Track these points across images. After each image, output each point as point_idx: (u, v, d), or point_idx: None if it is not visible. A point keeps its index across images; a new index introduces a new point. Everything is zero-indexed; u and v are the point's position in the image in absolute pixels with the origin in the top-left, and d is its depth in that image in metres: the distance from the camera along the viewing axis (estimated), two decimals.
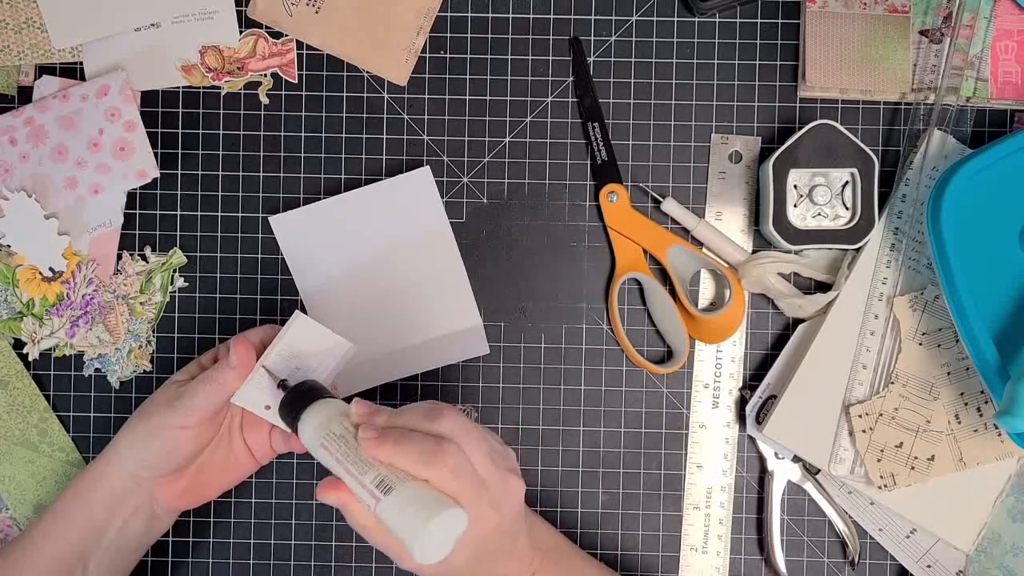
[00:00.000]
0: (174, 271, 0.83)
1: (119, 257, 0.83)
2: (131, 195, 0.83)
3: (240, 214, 0.84)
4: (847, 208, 0.80)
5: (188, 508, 0.76)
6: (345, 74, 0.84)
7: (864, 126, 0.83)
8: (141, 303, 0.83)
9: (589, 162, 0.84)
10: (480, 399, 0.83)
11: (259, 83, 0.84)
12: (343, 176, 0.84)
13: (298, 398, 0.68)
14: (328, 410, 0.67)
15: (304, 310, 0.82)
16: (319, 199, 0.82)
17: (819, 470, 0.82)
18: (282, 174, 0.84)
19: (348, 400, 0.68)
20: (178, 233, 0.84)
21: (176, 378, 0.75)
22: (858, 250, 0.81)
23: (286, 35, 0.83)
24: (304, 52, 0.84)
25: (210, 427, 0.73)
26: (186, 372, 0.75)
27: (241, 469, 0.77)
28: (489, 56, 0.84)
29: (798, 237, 0.79)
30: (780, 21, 0.84)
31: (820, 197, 0.79)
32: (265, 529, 0.84)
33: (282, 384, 0.70)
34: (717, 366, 0.83)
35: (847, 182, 0.80)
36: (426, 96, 0.84)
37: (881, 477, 0.79)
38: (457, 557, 0.63)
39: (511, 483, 0.66)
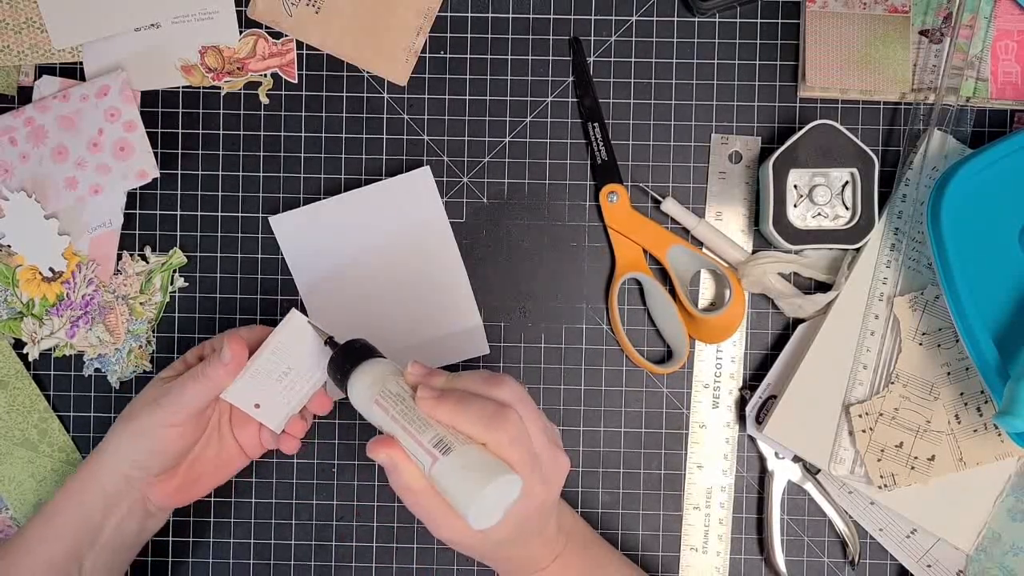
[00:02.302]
0: (174, 271, 0.83)
1: (119, 257, 0.83)
2: (131, 195, 0.83)
3: (240, 214, 0.84)
4: (847, 208, 0.80)
5: (182, 505, 0.75)
6: (345, 74, 0.84)
7: (864, 126, 0.83)
8: (141, 303, 0.83)
9: (589, 162, 0.84)
10: None
11: (259, 83, 0.84)
12: (343, 176, 0.84)
13: (350, 354, 0.67)
14: (382, 368, 0.67)
15: (304, 310, 0.82)
16: (319, 199, 0.82)
17: (819, 470, 0.82)
18: (282, 174, 0.84)
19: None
20: (178, 233, 0.84)
21: (162, 375, 0.74)
22: (858, 250, 0.81)
23: (286, 35, 0.83)
24: (304, 52, 0.84)
25: (198, 425, 0.72)
26: (172, 369, 0.74)
27: (232, 465, 0.76)
28: (489, 56, 0.84)
29: (798, 237, 0.79)
30: (780, 21, 0.84)
31: (820, 197, 0.79)
32: (265, 529, 0.84)
33: (329, 341, 0.69)
34: (717, 366, 0.83)
35: (847, 182, 0.80)
36: (426, 96, 0.84)
37: (881, 477, 0.79)
38: (501, 529, 0.63)
39: (560, 459, 0.66)
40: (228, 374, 0.70)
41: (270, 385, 0.72)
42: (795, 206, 0.80)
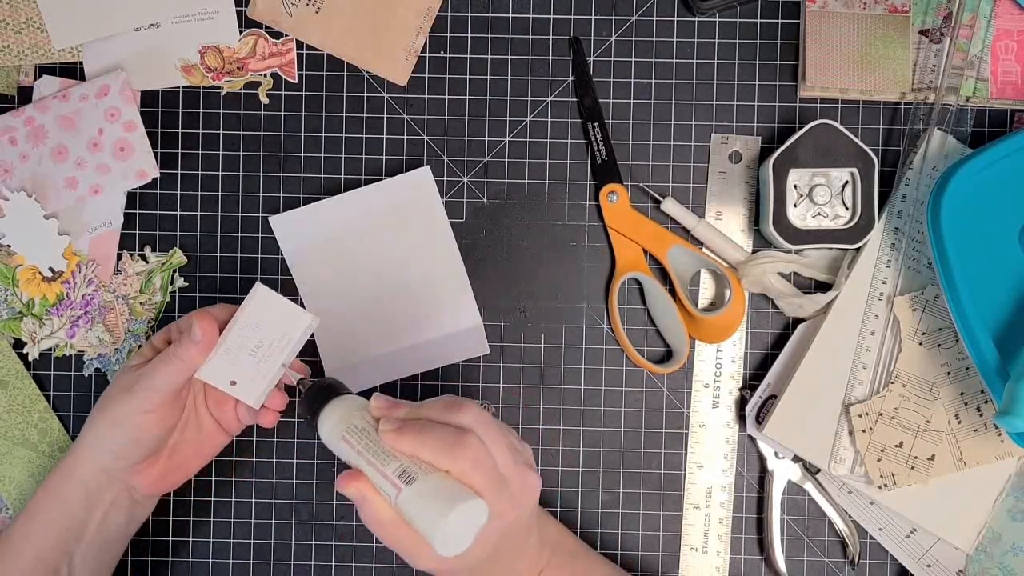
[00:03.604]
0: (174, 271, 0.83)
1: (119, 257, 0.83)
2: (131, 195, 0.83)
3: (240, 214, 0.84)
4: (847, 208, 0.80)
5: (168, 491, 0.75)
6: (345, 74, 0.84)
7: (864, 126, 0.83)
8: (141, 303, 0.83)
9: (589, 162, 0.84)
10: (480, 399, 0.83)
11: (259, 83, 0.84)
12: (343, 176, 0.84)
13: (318, 395, 0.69)
14: (348, 404, 0.68)
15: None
16: (319, 199, 0.82)
17: (819, 470, 0.82)
18: (282, 174, 0.84)
19: (366, 396, 0.68)
20: (178, 233, 0.84)
21: (131, 363, 0.73)
22: (858, 250, 0.81)
23: (286, 35, 0.83)
24: (304, 52, 0.84)
25: (174, 408, 0.72)
26: (140, 356, 0.73)
27: (213, 444, 0.76)
28: (489, 56, 0.84)
29: (798, 237, 0.79)
30: (780, 21, 0.84)
31: (820, 197, 0.79)
32: (265, 529, 0.84)
33: (300, 383, 0.71)
34: (717, 366, 0.83)
35: (847, 182, 0.80)
36: (426, 96, 0.84)
37: (881, 477, 0.79)
38: (475, 552, 0.63)
39: (529, 478, 0.66)
40: (200, 353, 0.70)
41: (244, 360, 0.71)
42: (795, 206, 0.80)
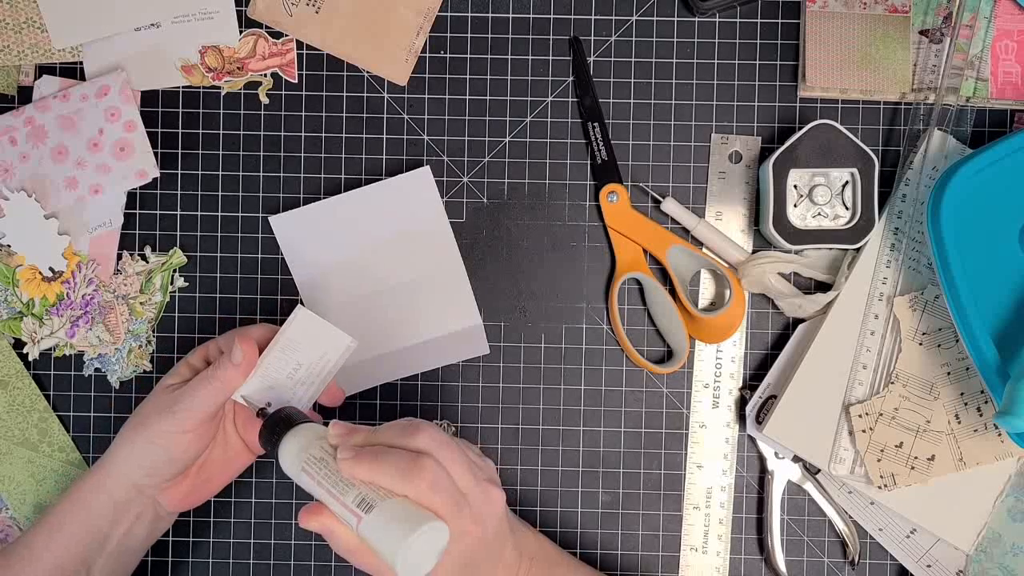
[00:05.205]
0: (174, 271, 0.83)
1: (119, 257, 0.83)
2: (131, 195, 0.83)
3: (240, 214, 0.84)
4: (847, 208, 0.80)
5: (193, 507, 0.75)
6: (345, 74, 0.84)
7: (864, 126, 0.83)
8: (141, 303, 0.83)
9: (589, 162, 0.84)
10: (480, 399, 0.84)
11: (259, 83, 0.84)
12: (343, 176, 0.84)
13: (276, 425, 0.68)
14: (307, 435, 0.67)
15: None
16: (319, 199, 0.82)
17: (819, 470, 0.82)
18: (282, 174, 0.84)
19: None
20: (178, 233, 0.84)
21: (167, 382, 0.73)
22: (858, 250, 0.81)
23: (286, 35, 0.83)
24: (304, 52, 0.84)
25: (210, 428, 0.72)
26: (177, 375, 0.74)
27: (240, 463, 0.76)
28: (489, 56, 0.84)
29: (798, 237, 0.79)
30: (780, 21, 0.84)
31: (820, 197, 0.79)
32: (265, 529, 0.84)
33: (261, 412, 0.70)
34: (717, 366, 0.83)
35: (847, 182, 0.80)
36: (426, 96, 0.84)
37: (881, 477, 0.79)
38: (442, 572, 0.63)
39: (491, 494, 0.66)
40: (239, 375, 0.70)
41: (281, 383, 0.71)
42: (795, 206, 0.80)
